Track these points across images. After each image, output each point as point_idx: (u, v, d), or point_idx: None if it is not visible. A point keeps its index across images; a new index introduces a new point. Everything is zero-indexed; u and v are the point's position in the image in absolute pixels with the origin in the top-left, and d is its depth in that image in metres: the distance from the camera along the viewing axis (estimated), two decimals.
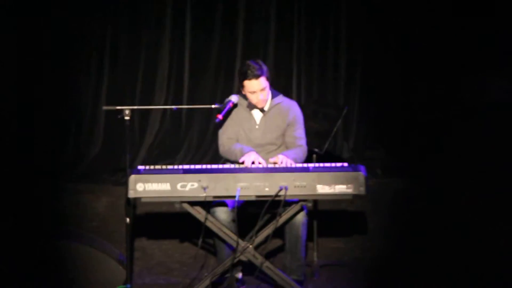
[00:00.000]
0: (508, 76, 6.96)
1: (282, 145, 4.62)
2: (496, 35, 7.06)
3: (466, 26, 7.15)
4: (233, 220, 4.28)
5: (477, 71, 7.08)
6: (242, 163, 4.29)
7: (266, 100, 4.57)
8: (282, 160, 4.29)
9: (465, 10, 7.12)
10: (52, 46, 7.40)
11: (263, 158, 4.40)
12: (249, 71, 4.43)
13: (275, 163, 4.29)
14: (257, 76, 4.43)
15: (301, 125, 4.65)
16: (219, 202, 4.34)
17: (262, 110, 4.59)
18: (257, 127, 4.59)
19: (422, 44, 7.39)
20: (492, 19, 7.01)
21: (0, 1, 7.05)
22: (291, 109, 4.62)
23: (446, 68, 7.30)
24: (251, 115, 4.61)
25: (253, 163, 4.27)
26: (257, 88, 4.46)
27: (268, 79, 4.50)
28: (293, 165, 4.21)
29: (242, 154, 4.38)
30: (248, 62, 4.48)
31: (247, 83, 4.47)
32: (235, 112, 4.60)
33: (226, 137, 4.59)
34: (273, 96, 4.62)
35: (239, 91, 4.63)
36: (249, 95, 4.52)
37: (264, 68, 4.48)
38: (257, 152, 4.46)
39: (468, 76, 7.12)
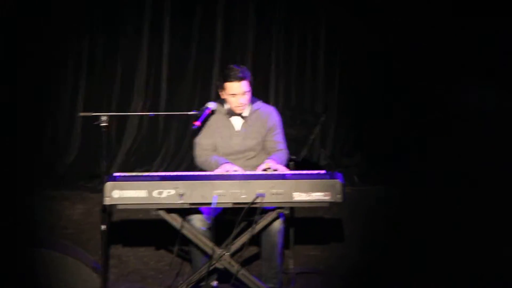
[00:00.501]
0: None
1: (262, 151, 4.60)
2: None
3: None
4: (209, 228, 4.26)
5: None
6: None
7: (246, 105, 4.55)
8: (271, 165, 4.28)
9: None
10: (27, 51, 7.33)
11: (242, 165, 4.39)
12: (232, 73, 4.43)
13: (265, 169, 4.27)
14: (239, 79, 4.42)
15: (280, 130, 4.65)
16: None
17: (241, 116, 4.57)
18: (237, 133, 4.56)
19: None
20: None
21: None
22: (271, 115, 4.62)
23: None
24: (229, 122, 4.59)
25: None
26: (239, 91, 4.44)
27: (250, 84, 4.49)
28: (283, 169, 4.22)
29: (217, 166, 4.36)
30: (231, 65, 4.49)
31: (228, 85, 4.45)
32: (213, 120, 4.57)
33: (201, 148, 4.57)
34: (252, 102, 4.61)
35: (217, 97, 4.61)
36: (229, 98, 4.50)
37: (247, 72, 4.48)
38: (237, 159, 4.45)
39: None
